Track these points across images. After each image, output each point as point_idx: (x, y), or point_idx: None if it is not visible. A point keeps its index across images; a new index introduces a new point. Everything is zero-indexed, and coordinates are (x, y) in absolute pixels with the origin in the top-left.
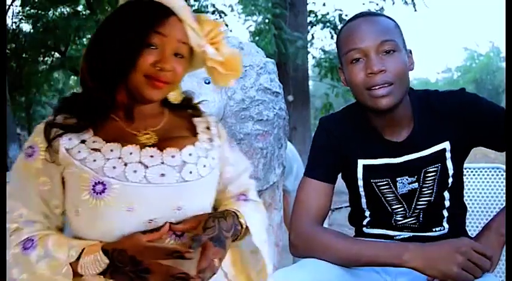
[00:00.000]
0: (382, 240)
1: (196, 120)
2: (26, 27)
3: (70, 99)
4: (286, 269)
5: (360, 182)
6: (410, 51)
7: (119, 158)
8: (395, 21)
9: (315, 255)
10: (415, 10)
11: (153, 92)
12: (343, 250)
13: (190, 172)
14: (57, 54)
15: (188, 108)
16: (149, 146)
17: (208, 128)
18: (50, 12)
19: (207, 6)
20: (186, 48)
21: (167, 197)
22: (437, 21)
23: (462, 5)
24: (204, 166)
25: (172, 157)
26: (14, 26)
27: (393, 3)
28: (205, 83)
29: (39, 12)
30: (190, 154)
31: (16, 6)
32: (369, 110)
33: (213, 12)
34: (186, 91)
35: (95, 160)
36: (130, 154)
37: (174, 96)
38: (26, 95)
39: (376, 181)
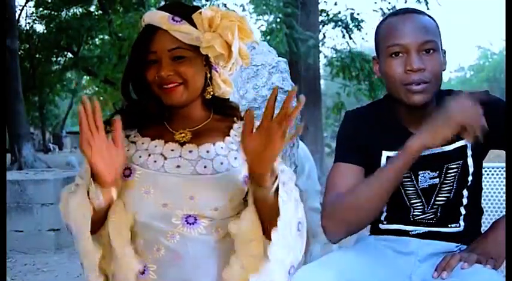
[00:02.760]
0: (397, 236)
1: (236, 125)
2: (40, 27)
3: (124, 106)
4: (308, 266)
5: None
6: (445, 52)
7: (146, 149)
8: (436, 22)
9: (347, 217)
10: (428, 8)
11: (168, 96)
12: (366, 189)
13: (205, 167)
14: (70, 54)
15: (232, 116)
16: (180, 142)
17: None
18: (63, 12)
19: (218, 6)
20: (182, 50)
21: (181, 186)
22: (449, 19)
23: (475, 3)
24: (221, 163)
25: (190, 152)
26: (28, 27)
27: (405, 2)
28: None
29: (52, 13)
30: (207, 151)
31: (30, 7)
32: (402, 104)
33: None
34: (233, 101)
35: (128, 150)
36: (155, 146)
37: (219, 93)
38: (39, 94)
39: None
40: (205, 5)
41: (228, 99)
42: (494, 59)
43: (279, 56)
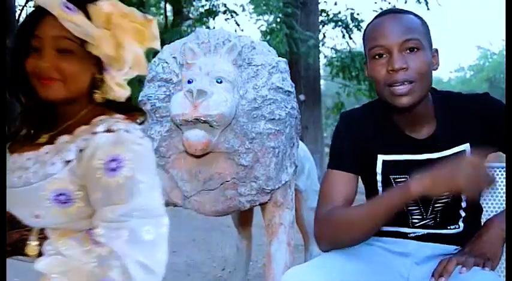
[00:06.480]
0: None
1: (85, 127)
2: None
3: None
4: (297, 267)
5: (379, 177)
6: (436, 51)
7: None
8: (422, 19)
9: (339, 235)
10: (428, 9)
11: (44, 90)
12: (358, 216)
13: (19, 177)
14: None
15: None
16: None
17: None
18: None
19: (218, 6)
20: (69, 42)
21: (6, 200)
22: (449, 19)
23: (475, 3)
24: (35, 173)
25: (13, 162)
26: None
27: (405, 2)
28: (217, 82)
29: None
30: (28, 159)
31: (30, 7)
32: (390, 106)
33: (224, 12)
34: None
35: None
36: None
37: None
38: None
39: (395, 176)
40: (205, 5)
41: (127, 100)
42: (494, 59)
43: (279, 56)
